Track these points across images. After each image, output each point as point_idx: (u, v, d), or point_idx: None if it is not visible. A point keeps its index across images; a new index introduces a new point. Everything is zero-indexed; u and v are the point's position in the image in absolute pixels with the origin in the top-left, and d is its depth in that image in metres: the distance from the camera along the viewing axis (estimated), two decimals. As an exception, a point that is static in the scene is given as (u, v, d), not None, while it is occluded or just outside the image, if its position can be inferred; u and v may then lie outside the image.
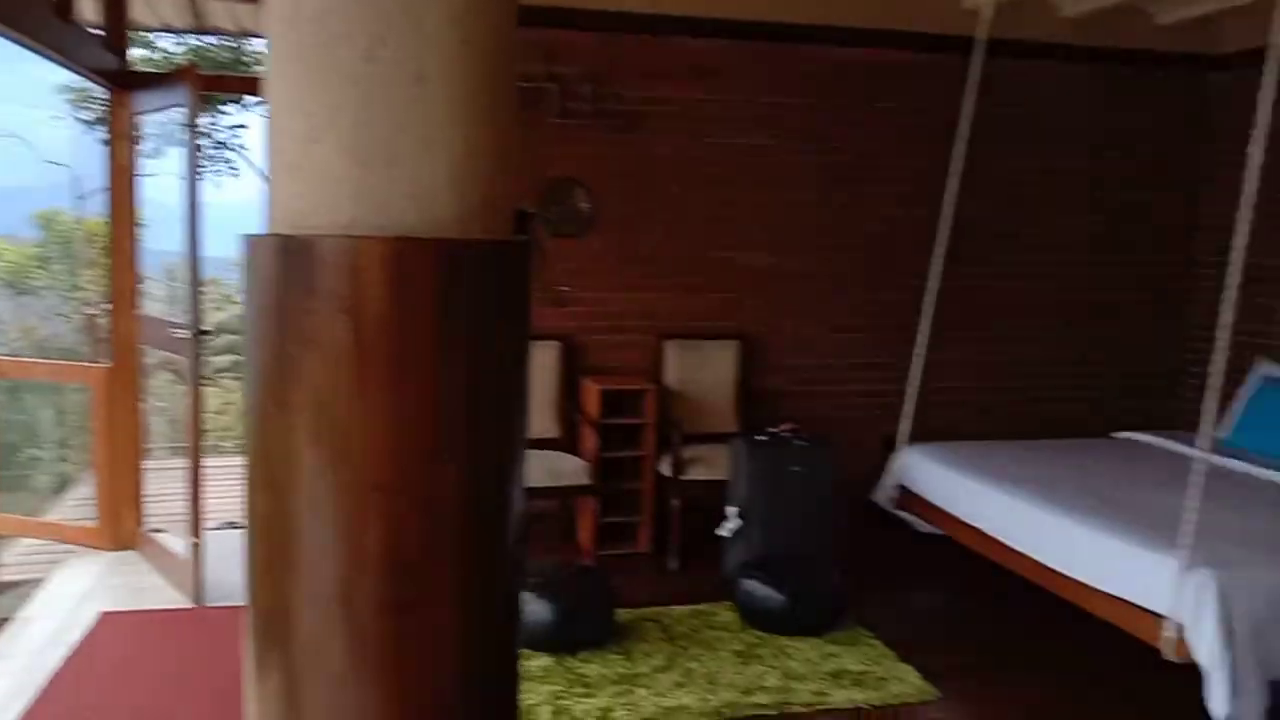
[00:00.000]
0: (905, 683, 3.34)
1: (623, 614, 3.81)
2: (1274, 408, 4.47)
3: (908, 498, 4.38)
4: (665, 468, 4.53)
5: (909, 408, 4.53)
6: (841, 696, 3.22)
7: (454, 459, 1.12)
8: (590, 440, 4.48)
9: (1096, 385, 5.64)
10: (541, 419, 4.69)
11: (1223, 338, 2.90)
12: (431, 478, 1.11)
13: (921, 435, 4.79)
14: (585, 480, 4.36)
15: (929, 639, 3.75)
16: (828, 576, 3.76)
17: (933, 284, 4.32)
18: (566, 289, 1.95)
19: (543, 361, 4.70)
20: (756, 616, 3.74)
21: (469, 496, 1.13)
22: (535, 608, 3.46)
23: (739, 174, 4.99)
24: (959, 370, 5.40)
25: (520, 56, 4.68)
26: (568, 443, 4.68)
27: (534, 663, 3.40)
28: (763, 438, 4.30)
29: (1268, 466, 4.13)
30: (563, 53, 4.67)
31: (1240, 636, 2.84)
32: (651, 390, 4.60)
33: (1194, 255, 5.65)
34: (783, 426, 4.39)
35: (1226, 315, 2.85)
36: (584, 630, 3.51)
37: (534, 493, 4.31)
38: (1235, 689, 2.82)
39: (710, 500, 4.55)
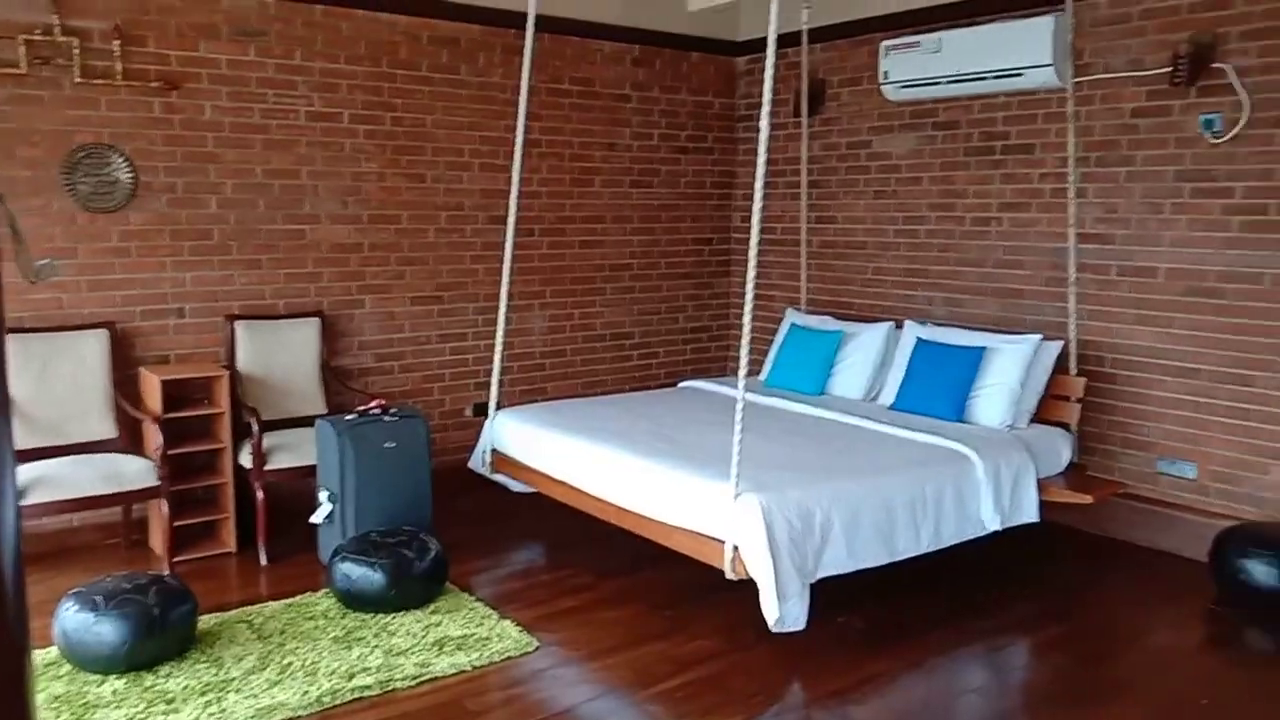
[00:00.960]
0: (506, 639, 3.45)
1: (210, 619, 3.54)
2: (799, 350, 5.20)
3: (501, 461, 4.51)
4: (245, 459, 4.24)
5: (496, 374, 4.64)
6: (445, 663, 3.26)
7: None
8: (154, 437, 4.06)
9: (664, 341, 6.20)
10: (92, 419, 4.17)
11: (749, 292, 3.30)
12: None
13: (511, 400, 4.95)
14: (151, 481, 3.96)
15: (526, 593, 3.92)
16: (426, 548, 3.77)
17: (508, 253, 4.45)
18: (46, 261, 1.72)
19: (85, 354, 4.18)
20: (357, 599, 3.65)
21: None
22: (100, 629, 3.10)
23: (301, 143, 4.76)
24: (543, 335, 5.66)
25: (20, 4, 4.07)
26: (128, 442, 4.21)
27: (105, 688, 3.05)
28: (351, 417, 4.18)
29: (796, 401, 4.81)
30: (78, 4, 4.12)
31: (780, 549, 3.23)
32: (222, 377, 4.27)
33: (732, 220, 6.39)
34: (372, 404, 4.30)
35: (751, 271, 3.25)
36: (162, 644, 3.20)
37: (90, 501, 3.85)
38: (781, 595, 3.21)
39: (300, 488, 4.35)
